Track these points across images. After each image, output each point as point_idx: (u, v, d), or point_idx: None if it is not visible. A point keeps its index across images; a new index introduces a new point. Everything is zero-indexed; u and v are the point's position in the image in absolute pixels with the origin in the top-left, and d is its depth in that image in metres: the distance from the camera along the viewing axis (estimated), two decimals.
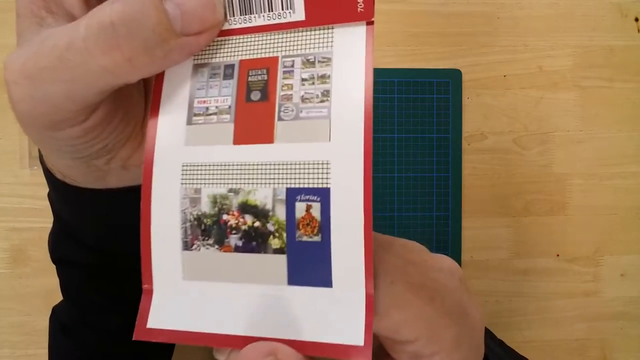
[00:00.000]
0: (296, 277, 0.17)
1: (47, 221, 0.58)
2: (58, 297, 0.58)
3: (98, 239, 0.28)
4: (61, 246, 0.31)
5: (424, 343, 0.19)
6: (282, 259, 0.17)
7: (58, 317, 0.33)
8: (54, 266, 0.60)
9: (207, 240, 0.18)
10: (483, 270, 0.61)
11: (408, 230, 0.60)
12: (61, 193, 0.26)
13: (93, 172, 0.22)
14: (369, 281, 0.17)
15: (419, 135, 0.60)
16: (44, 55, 0.17)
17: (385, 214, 0.59)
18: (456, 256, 0.60)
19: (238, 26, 0.18)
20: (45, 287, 0.58)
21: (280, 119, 0.18)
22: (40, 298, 0.58)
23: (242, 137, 0.18)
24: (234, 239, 0.18)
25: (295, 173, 0.17)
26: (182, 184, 0.18)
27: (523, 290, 0.62)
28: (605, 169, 0.62)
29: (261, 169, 0.18)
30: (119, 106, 0.20)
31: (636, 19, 0.62)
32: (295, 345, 0.17)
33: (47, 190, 0.62)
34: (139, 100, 0.22)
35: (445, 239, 0.60)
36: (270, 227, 0.18)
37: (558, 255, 0.62)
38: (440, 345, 0.20)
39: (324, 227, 0.17)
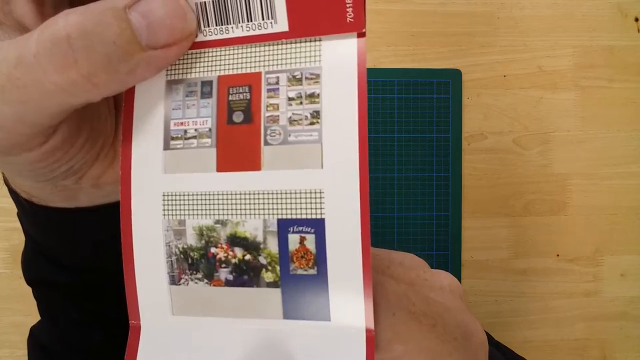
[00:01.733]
0: (292, 311, 0.16)
1: None
2: None
3: (73, 258, 0.26)
4: (35, 267, 0.29)
5: None
6: (277, 292, 0.16)
7: (37, 339, 0.32)
8: None
9: (196, 274, 0.17)
10: (483, 270, 0.61)
11: (408, 230, 0.60)
12: (29, 214, 0.24)
13: (61, 192, 0.20)
14: (369, 315, 0.16)
15: (419, 135, 0.60)
16: None
17: (385, 214, 0.59)
18: (456, 256, 0.60)
19: (214, 37, 0.16)
20: None
21: (266, 143, 0.16)
22: None
23: (226, 163, 0.16)
24: (224, 273, 0.17)
25: (286, 203, 0.16)
26: (164, 215, 0.17)
27: (523, 290, 0.62)
28: (605, 169, 0.62)
29: (249, 199, 0.16)
30: (83, 124, 0.18)
31: (636, 19, 0.62)
32: None
33: None
34: (106, 115, 0.20)
35: (445, 239, 0.60)
36: (262, 260, 0.16)
37: (558, 255, 0.62)
38: None
39: (320, 259, 0.16)
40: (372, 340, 0.16)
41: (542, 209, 0.62)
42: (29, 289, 0.62)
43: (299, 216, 0.16)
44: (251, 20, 0.16)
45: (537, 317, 0.62)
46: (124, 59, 0.15)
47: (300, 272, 0.16)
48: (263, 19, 0.16)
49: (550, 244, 0.62)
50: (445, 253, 0.60)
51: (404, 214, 0.60)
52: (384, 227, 0.59)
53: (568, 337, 0.63)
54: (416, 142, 0.60)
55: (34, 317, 0.63)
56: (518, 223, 0.62)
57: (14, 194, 0.23)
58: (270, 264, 0.16)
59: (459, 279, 0.60)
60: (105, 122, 0.20)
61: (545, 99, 0.61)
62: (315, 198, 0.16)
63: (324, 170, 0.16)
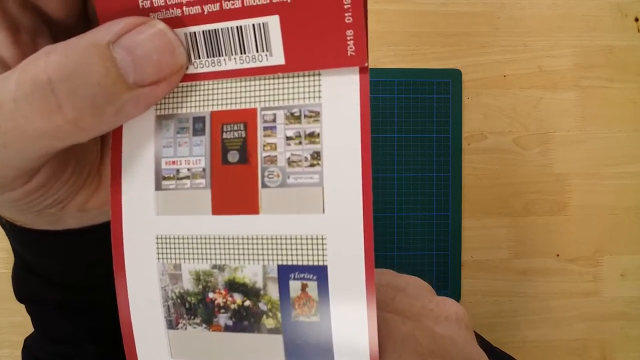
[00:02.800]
0: (295, 358, 0.16)
1: None
2: None
3: (63, 276, 0.26)
4: (26, 285, 0.28)
5: None
6: (278, 339, 0.16)
7: (31, 350, 0.32)
8: None
9: (194, 319, 0.16)
10: (483, 270, 0.61)
11: (408, 230, 0.60)
12: (14, 235, 0.23)
13: (46, 218, 0.19)
14: None
15: (419, 135, 0.60)
16: None
17: (386, 214, 0.59)
18: (456, 256, 0.60)
19: (205, 70, 0.15)
20: None
21: (264, 185, 0.15)
22: None
23: (221, 206, 0.16)
24: (223, 318, 0.16)
25: (286, 248, 0.15)
26: (158, 259, 0.16)
27: (523, 290, 0.62)
28: (605, 169, 0.62)
29: (247, 244, 0.16)
30: (68, 159, 0.17)
31: (636, 19, 0.62)
32: None
33: None
34: (92, 143, 0.19)
35: (445, 239, 0.60)
36: (263, 306, 0.16)
37: (558, 255, 0.62)
38: None
39: (322, 307, 0.15)
40: None
41: (542, 209, 0.62)
42: None
43: (300, 262, 0.15)
44: (244, 53, 0.15)
45: (537, 317, 0.62)
46: (110, 100, 0.14)
47: (302, 319, 0.15)
48: (257, 52, 0.15)
49: (550, 244, 0.62)
50: (445, 253, 0.60)
51: (404, 214, 0.60)
52: (384, 227, 0.59)
53: (568, 337, 0.63)
54: (416, 142, 0.60)
55: None
56: (518, 223, 0.62)
57: None
58: (271, 310, 0.16)
59: (459, 279, 0.60)
60: (91, 151, 0.19)
61: (545, 99, 0.61)
62: (317, 244, 0.15)
63: (325, 215, 0.15)
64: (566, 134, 0.62)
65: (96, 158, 0.19)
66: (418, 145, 0.60)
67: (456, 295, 0.61)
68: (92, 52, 0.13)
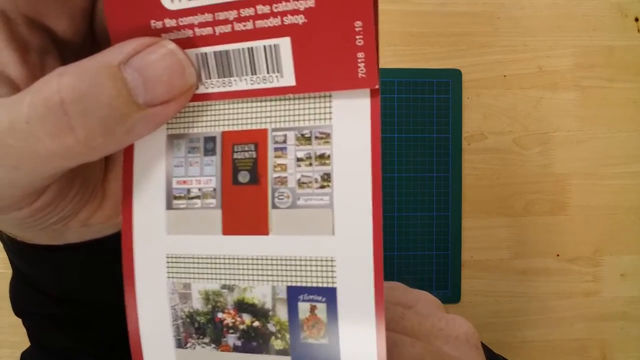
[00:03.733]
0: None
1: None
2: None
3: (61, 290, 0.26)
4: (24, 299, 0.28)
5: None
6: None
7: None
8: None
9: (202, 338, 0.16)
10: (483, 270, 0.61)
11: (408, 230, 0.60)
12: (14, 250, 0.23)
13: (48, 234, 0.19)
14: None
15: (419, 135, 0.60)
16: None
17: (386, 214, 0.59)
18: (456, 256, 0.60)
19: (216, 90, 0.15)
20: None
21: (274, 206, 0.15)
22: None
23: (232, 226, 0.16)
24: (231, 339, 0.16)
25: (296, 270, 0.15)
26: (168, 277, 0.16)
27: (523, 290, 0.62)
28: (605, 169, 0.62)
29: (257, 264, 0.16)
30: (74, 177, 0.17)
31: (636, 19, 0.62)
32: None
33: None
34: (96, 160, 0.18)
35: (445, 239, 0.60)
36: (272, 327, 0.16)
37: (558, 255, 0.62)
38: None
39: (331, 329, 0.15)
40: None
41: (542, 209, 0.62)
42: None
43: (309, 284, 0.15)
44: (255, 74, 0.15)
45: (537, 317, 0.62)
46: (121, 121, 0.14)
47: (311, 340, 0.15)
48: (268, 72, 0.15)
49: (550, 244, 0.62)
50: (445, 253, 0.60)
51: (404, 214, 0.60)
52: (384, 227, 0.59)
53: (568, 337, 0.63)
54: (416, 142, 0.60)
55: None
56: (518, 223, 0.62)
57: None
58: (280, 332, 0.16)
59: (459, 279, 0.60)
60: (95, 168, 0.19)
61: (545, 99, 0.61)
62: (326, 266, 0.15)
63: (335, 237, 0.15)
64: (566, 134, 0.62)
65: (100, 174, 0.19)
66: (418, 145, 0.60)
67: (456, 295, 0.61)
68: (103, 73, 0.13)
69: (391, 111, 0.59)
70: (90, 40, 0.17)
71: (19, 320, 0.61)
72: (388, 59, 0.60)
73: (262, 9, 0.14)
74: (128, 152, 0.16)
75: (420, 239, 0.60)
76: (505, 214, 0.61)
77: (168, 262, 0.16)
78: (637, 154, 0.63)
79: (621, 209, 0.62)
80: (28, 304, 0.27)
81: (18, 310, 0.29)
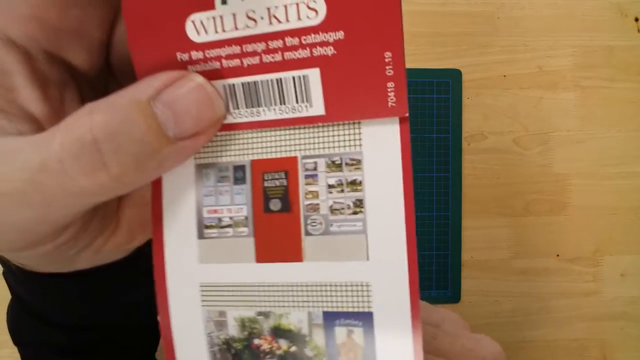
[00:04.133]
0: None
1: None
2: None
3: (66, 318, 0.25)
4: (24, 328, 0.27)
5: None
6: None
7: None
8: None
9: None
10: (483, 270, 0.61)
11: None
12: (19, 278, 0.23)
13: (60, 262, 0.19)
14: None
15: (419, 135, 0.60)
16: (9, 178, 0.14)
17: None
18: (456, 256, 0.60)
19: (244, 120, 0.15)
20: None
21: (307, 233, 0.15)
22: None
23: (265, 254, 0.16)
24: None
25: (331, 295, 0.15)
26: (203, 306, 0.16)
27: (523, 290, 0.62)
28: (605, 169, 0.62)
29: (292, 291, 0.16)
30: (97, 210, 0.17)
31: (636, 19, 0.62)
32: None
33: None
34: None
35: (445, 239, 0.60)
36: (309, 352, 0.16)
37: (558, 255, 0.62)
38: None
39: (368, 353, 0.15)
40: None
41: (542, 209, 0.62)
42: None
43: (345, 309, 0.15)
44: (284, 104, 0.15)
45: (537, 317, 0.62)
46: (152, 155, 0.14)
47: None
48: (297, 102, 0.15)
49: (550, 244, 0.62)
50: (445, 253, 0.60)
51: None
52: None
53: (568, 337, 0.63)
54: (416, 142, 0.60)
55: None
56: (518, 223, 0.62)
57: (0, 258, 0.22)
58: (317, 356, 0.16)
59: (459, 279, 0.61)
60: (115, 199, 0.19)
61: (545, 99, 0.61)
62: (362, 291, 0.15)
63: (370, 262, 0.15)
64: (566, 134, 0.62)
65: (115, 202, 0.19)
66: (418, 145, 0.60)
67: (456, 295, 0.61)
68: (134, 109, 0.14)
69: None
70: (106, 71, 0.17)
71: None
72: None
73: (290, 41, 0.14)
74: (156, 183, 0.17)
75: (420, 239, 0.60)
76: (505, 214, 0.61)
77: (202, 291, 0.16)
78: (637, 154, 0.63)
79: (621, 209, 0.62)
80: (29, 333, 0.27)
81: (18, 340, 0.28)
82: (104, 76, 0.17)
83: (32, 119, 0.15)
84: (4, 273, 0.26)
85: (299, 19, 0.14)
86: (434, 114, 0.60)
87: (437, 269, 0.60)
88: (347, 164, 0.15)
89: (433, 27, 0.60)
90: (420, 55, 0.60)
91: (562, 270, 0.62)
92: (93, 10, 0.15)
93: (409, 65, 0.60)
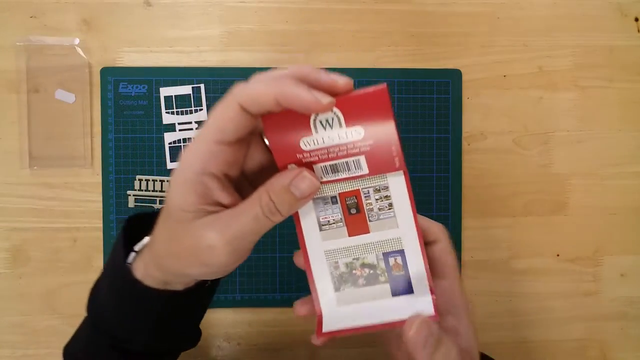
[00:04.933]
0: (395, 291, 0.33)
1: (47, 221, 0.59)
2: (57, 297, 0.58)
3: (149, 338, 0.35)
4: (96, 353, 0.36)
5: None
6: (387, 286, 0.33)
7: None
8: (53, 265, 0.60)
9: (347, 283, 0.33)
10: (483, 270, 0.61)
11: None
12: (133, 297, 0.33)
13: (186, 283, 0.34)
14: (433, 290, 0.33)
15: (419, 135, 0.60)
16: (244, 224, 0.29)
17: None
18: (456, 256, 0.60)
19: (333, 178, 0.31)
20: (45, 287, 0.58)
21: (369, 220, 0.32)
22: (40, 298, 0.58)
23: (352, 232, 0.32)
24: (361, 280, 0.33)
25: (385, 245, 0.32)
26: (327, 260, 0.33)
27: (523, 290, 0.62)
28: (605, 169, 0.62)
29: (367, 246, 0.32)
30: None
31: (636, 19, 0.62)
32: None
33: (46, 190, 0.62)
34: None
35: None
36: (379, 271, 0.33)
37: (558, 255, 0.62)
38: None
39: (404, 267, 0.33)
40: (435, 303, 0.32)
41: (542, 209, 0.62)
42: (29, 289, 0.62)
43: (391, 249, 0.32)
44: (349, 170, 0.30)
45: (537, 317, 0.62)
46: (293, 205, 0.30)
47: (395, 273, 0.33)
48: (355, 169, 0.30)
49: (550, 244, 0.62)
50: None
51: None
52: None
53: (568, 337, 0.63)
54: (416, 142, 0.60)
55: (34, 317, 0.64)
56: (518, 223, 0.62)
57: (136, 284, 0.33)
58: (382, 274, 0.33)
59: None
60: None
61: (545, 99, 0.61)
62: (397, 241, 0.32)
63: (399, 229, 0.32)
64: (566, 134, 0.62)
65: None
66: (418, 145, 0.60)
67: None
68: (284, 189, 0.29)
69: None
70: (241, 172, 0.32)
71: (19, 320, 0.61)
72: (388, 59, 0.60)
73: (350, 147, 0.30)
74: (296, 213, 0.32)
75: None
76: (505, 214, 0.61)
77: (325, 254, 0.33)
78: (637, 154, 0.63)
79: (621, 209, 0.63)
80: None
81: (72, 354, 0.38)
82: (240, 174, 0.32)
83: (221, 205, 0.30)
84: (91, 308, 0.37)
85: (353, 136, 0.29)
86: (434, 114, 0.60)
87: None
88: (382, 189, 0.31)
89: (433, 27, 0.60)
90: (420, 55, 0.60)
91: (562, 270, 0.62)
92: (244, 152, 0.31)
93: (409, 65, 0.60)
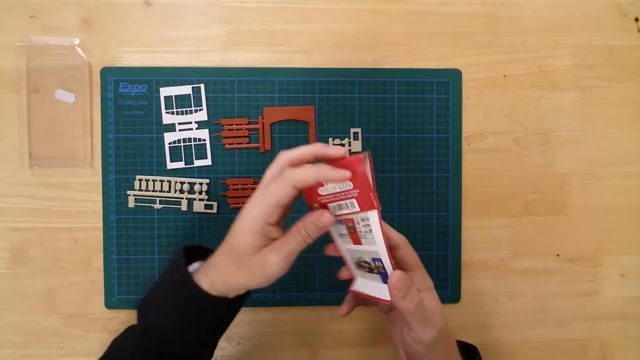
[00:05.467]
0: (383, 281, 0.45)
1: (47, 221, 0.59)
2: (57, 297, 0.58)
3: (196, 343, 0.46)
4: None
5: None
6: (378, 277, 0.46)
7: None
8: (53, 265, 0.60)
9: (360, 269, 0.47)
10: (483, 270, 0.61)
11: (408, 230, 0.60)
12: (198, 305, 0.44)
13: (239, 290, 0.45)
14: (395, 273, 0.44)
15: (419, 135, 0.60)
16: (292, 247, 0.42)
17: (386, 214, 0.59)
18: (456, 256, 0.60)
19: (339, 213, 0.43)
20: (45, 287, 0.58)
21: (360, 237, 0.44)
22: (40, 298, 0.58)
23: (354, 242, 0.45)
24: (366, 270, 0.46)
25: (371, 253, 0.44)
26: (349, 254, 0.47)
27: (523, 290, 0.62)
28: (605, 169, 0.62)
29: (364, 252, 0.45)
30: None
31: (636, 19, 0.62)
32: None
33: (46, 190, 0.62)
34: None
35: (445, 239, 0.60)
36: (372, 267, 0.45)
37: (558, 255, 0.62)
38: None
39: (383, 268, 0.44)
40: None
41: (542, 209, 0.62)
42: (29, 289, 0.62)
43: (375, 257, 0.44)
44: (349, 209, 0.42)
45: (537, 317, 0.62)
46: (319, 231, 0.43)
47: (380, 270, 0.45)
48: (354, 207, 0.42)
49: (550, 244, 0.62)
50: (445, 253, 0.60)
51: (404, 214, 0.60)
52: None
53: (568, 337, 0.63)
54: (416, 142, 0.60)
55: (34, 317, 0.64)
56: (518, 223, 0.62)
57: (198, 292, 0.44)
58: (374, 270, 0.45)
59: (459, 279, 0.61)
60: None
61: (545, 99, 0.61)
62: (377, 252, 0.44)
63: (376, 245, 0.43)
64: (566, 134, 0.62)
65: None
66: (418, 145, 0.60)
67: (456, 295, 0.61)
68: (313, 224, 0.43)
69: (391, 111, 0.60)
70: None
71: (19, 320, 0.61)
72: (388, 59, 0.60)
73: (346, 194, 0.41)
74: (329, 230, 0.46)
75: (420, 239, 0.60)
76: (505, 214, 0.61)
77: (346, 250, 0.47)
78: (637, 154, 0.63)
79: (621, 209, 0.63)
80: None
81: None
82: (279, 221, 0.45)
83: (274, 238, 0.43)
84: (142, 316, 0.46)
85: (345, 187, 0.41)
86: (434, 114, 0.60)
87: (437, 269, 0.60)
88: (364, 220, 0.43)
89: (433, 27, 0.60)
90: (420, 55, 0.60)
91: (562, 270, 0.62)
92: (289, 208, 0.44)
93: (409, 65, 0.60)
